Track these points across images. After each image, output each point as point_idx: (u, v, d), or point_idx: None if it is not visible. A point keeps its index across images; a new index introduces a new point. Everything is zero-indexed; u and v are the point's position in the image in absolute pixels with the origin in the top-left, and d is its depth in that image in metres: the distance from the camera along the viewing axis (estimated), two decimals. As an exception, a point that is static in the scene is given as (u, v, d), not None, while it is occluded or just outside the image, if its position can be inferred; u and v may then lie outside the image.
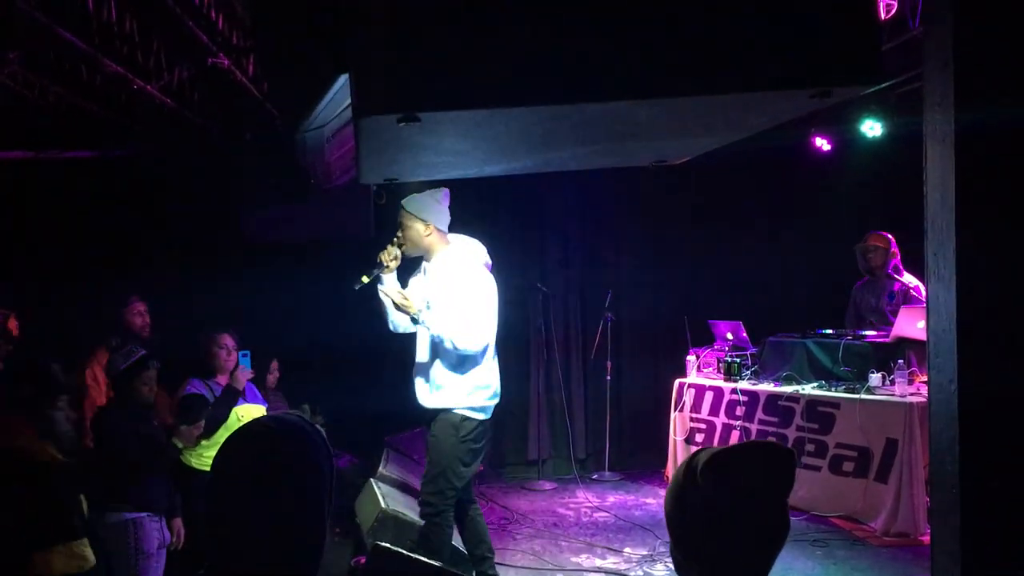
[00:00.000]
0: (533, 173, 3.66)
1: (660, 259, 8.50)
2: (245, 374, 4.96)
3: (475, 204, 7.57)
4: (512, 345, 8.38)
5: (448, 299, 4.53)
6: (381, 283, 4.68)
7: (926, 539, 5.70)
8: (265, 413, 5.03)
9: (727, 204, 8.39)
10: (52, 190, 6.72)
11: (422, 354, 4.72)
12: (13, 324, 4.73)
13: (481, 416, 4.66)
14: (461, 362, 4.58)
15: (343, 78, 4.12)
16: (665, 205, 8.39)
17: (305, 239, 6.97)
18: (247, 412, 4.96)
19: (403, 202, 4.67)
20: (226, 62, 5.17)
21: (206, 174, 6.69)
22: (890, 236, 7.04)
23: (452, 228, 4.77)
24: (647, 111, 2.20)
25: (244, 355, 4.97)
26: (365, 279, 4.63)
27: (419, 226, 4.62)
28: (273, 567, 1.54)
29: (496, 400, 4.77)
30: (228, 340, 4.98)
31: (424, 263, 4.80)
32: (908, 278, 6.97)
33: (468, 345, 4.49)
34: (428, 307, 4.64)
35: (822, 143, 8.00)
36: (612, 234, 8.66)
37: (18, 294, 5.68)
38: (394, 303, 4.55)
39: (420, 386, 4.71)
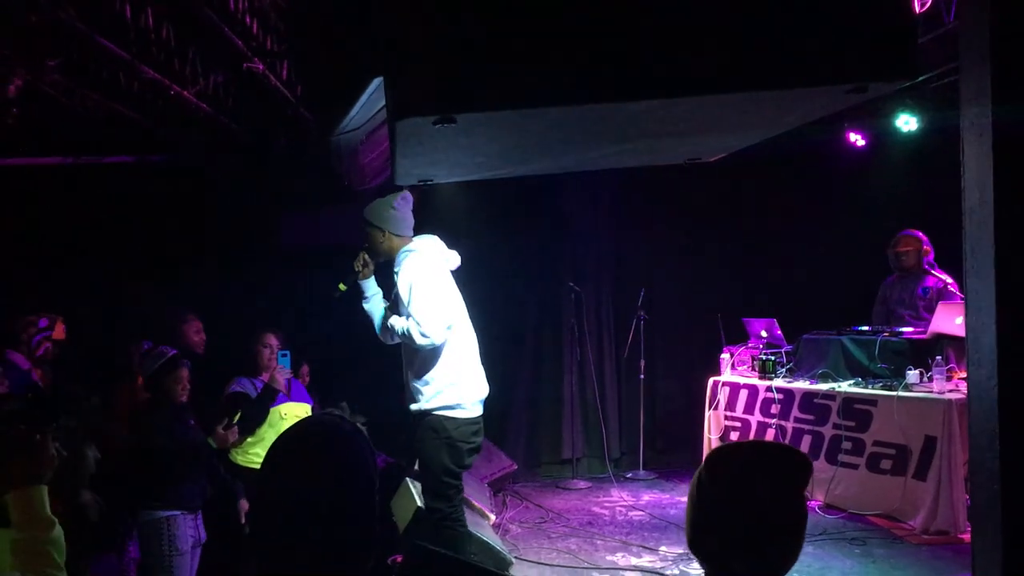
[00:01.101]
0: (565, 172, 3.68)
1: (693, 257, 8.48)
2: (283, 374, 5.02)
3: (506, 205, 7.62)
4: (545, 345, 8.43)
5: (404, 298, 4.50)
6: (363, 291, 4.75)
7: (966, 537, 5.65)
8: (310, 411, 5.11)
9: (760, 200, 8.35)
10: (91, 195, 6.82)
11: (404, 362, 4.70)
12: (60, 328, 4.82)
13: (460, 414, 4.56)
14: (424, 363, 4.52)
15: (377, 81, 4.18)
16: (698, 202, 8.35)
17: (339, 242, 7.02)
18: (290, 410, 5.02)
19: (363, 211, 4.69)
20: (260, 67, 5.23)
21: (241, 178, 6.76)
22: (920, 235, 6.96)
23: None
24: (683, 109, 2.21)
25: (283, 355, 5.05)
26: (342, 287, 4.72)
27: (376, 233, 4.64)
28: (324, 568, 1.55)
29: (478, 395, 4.65)
30: (273, 339, 5.08)
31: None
32: (942, 274, 6.89)
33: (424, 339, 4.41)
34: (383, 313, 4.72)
35: (856, 138, 7.94)
36: (645, 232, 8.64)
37: (59, 298, 5.77)
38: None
39: (406, 394, 4.70)
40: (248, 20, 4.95)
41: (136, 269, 6.77)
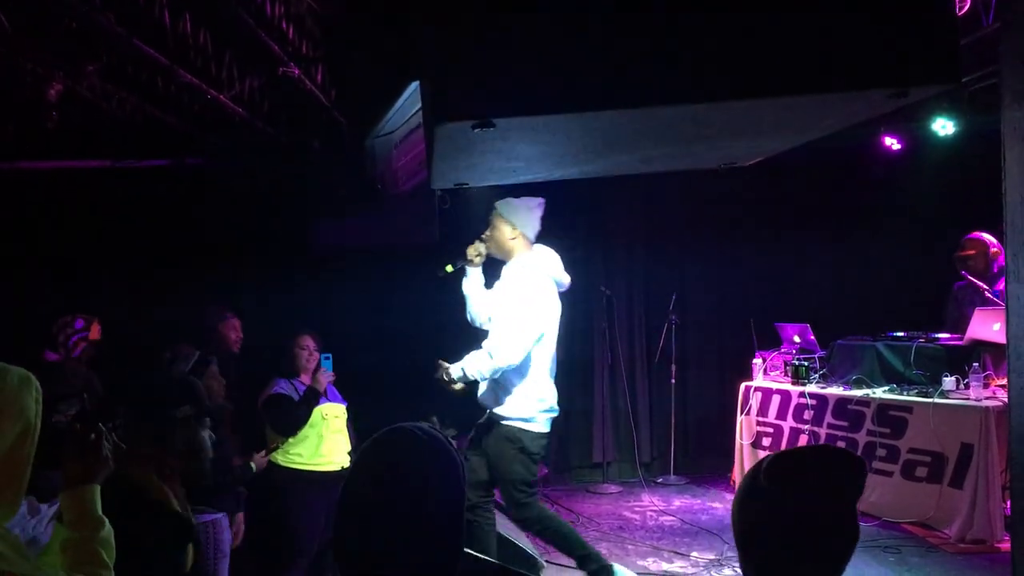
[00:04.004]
0: (599, 177, 3.67)
1: (725, 261, 8.43)
2: (327, 376, 5.07)
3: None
4: (576, 348, 8.40)
5: (506, 306, 4.59)
6: (466, 275, 4.85)
7: (1003, 546, 5.58)
8: (342, 411, 5.14)
9: (794, 205, 8.28)
10: (128, 198, 6.89)
11: None
12: (96, 329, 4.87)
13: (535, 428, 4.68)
14: (516, 373, 4.62)
15: (413, 85, 4.20)
16: (730, 206, 8.30)
17: (372, 246, 7.06)
18: (330, 411, 5.06)
19: (497, 203, 4.75)
20: (296, 71, 5.27)
21: (276, 181, 6.82)
22: (985, 237, 6.68)
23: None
24: (720, 113, 2.20)
25: (327, 358, 5.10)
26: (449, 268, 4.79)
27: (507, 229, 4.71)
28: None
29: (553, 414, 4.79)
30: (309, 341, 5.11)
31: (504, 266, 4.87)
32: None
33: (503, 360, 4.52)
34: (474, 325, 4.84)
35: (892, 142, 7.86)
36: (676, 236, 8.60)
37: (97, 300, 5.84)
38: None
39: (482, 392, 4.79)
40: (284, 25, 5.00)
41: (171, 271, 6.84)
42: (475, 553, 4.03)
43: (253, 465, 4.68)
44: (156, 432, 2.73)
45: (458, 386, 4.69)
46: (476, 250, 4.81)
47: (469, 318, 4.97)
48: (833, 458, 1.74)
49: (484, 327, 4.89)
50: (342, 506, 1.57)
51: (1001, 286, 6.67)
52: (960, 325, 6.88)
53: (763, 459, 1.74)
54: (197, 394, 3.00)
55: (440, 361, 4.71)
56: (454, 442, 1.66)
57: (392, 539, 1.52)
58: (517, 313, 4.54)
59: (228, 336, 5.53)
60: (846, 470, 1.70)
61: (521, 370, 4.63)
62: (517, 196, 4.78)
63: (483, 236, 4.80)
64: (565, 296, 4.86)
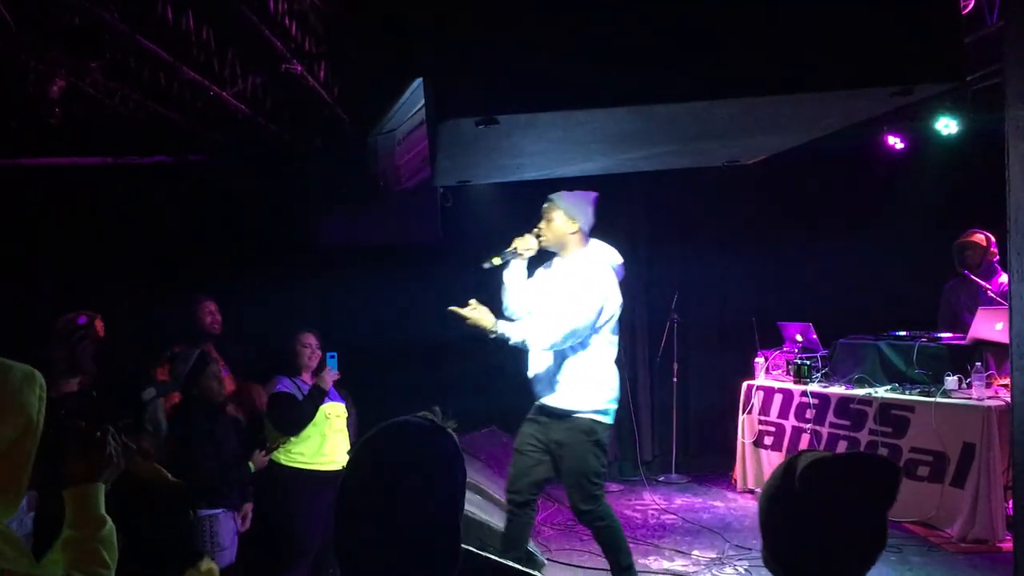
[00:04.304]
0: (601, 174, 3.68)
1: (727, 260, 8.41)
2: (332, 375, 5.03)
3: (541, 201, 7.61)
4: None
5: (566, 294, 4.58)
6: (507, 267, 4.82)
7: (1005, 546, 5.57)
8: (343, 410, 5.13)
9: (797, 204, 8.28)
10: (131, 195, 6.90)
11: (541, 353, 4.76)
12: (99, 326, 4.87)
13: (606, 420, 4.71)
14: (584, 363, 4.62)
15: (416, 81, 4.20)
16: (732, 204, 8.30)
17: (374, 243, 7.06)
18: (333, 409, 5.05)
19: (554, 196, 4.74)
20: (299, 68, 5.26)
21: (279, 179, 6.82)
22: (989, 235, 6.77)
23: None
24: (724, 111, 2.20)
25: (332, 356, 5.07)
26: (496, 260, 4.75)
27: (564, 221, 4.70)
28: (410, 573, 1.53)
29: (616, 404, 4.80)
30: (311, 339, 5.08)
31: (556, 258, 4.86)
32: (1003, 278, 6.77)
33: (543, 341, 4.51)
34: (509, 317, 4.74)
35: (895, 141, 7.85)
36: (679, 234, 8.59)
37: (99, 297, 5.84)
38: (465, 316, 4.54)
39: (540, 380, 4.76)
40: (287, 22, 4.99)
41: (172, 268, 6.84)
42: (474, 549, 4.04)
43: (252, 465, 4.66)
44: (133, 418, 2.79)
45: (474, 319, 4.53)
46: (526, 243, 4.78)
47: (504, 307, 4.93)
48: (870, 466, 1.74)
49: (520, 319, 4.85)
50: (340, 503, 1.56)
51: (995, 285, 6.72)
52: (954, 325, 6.91)
53: (796, 459, 1.72)
54: (154, 378, 3.14)
55: (475, 302, 4.60)
56: (455, 434, 1.65)
57: (391, 535, 1.51)
58: (582, 301, 4.53)
59: (204, 320, 5.55)
60: (882, 478, 1.71)
61: (590, 362, 4.64)
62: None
63: (536, 229, 4.78)
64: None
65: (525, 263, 4.87)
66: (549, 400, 4.71)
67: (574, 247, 4.73)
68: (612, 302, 4.67)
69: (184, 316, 5.66)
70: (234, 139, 6.48)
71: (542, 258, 4.95)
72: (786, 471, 1.71)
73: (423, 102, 3.78)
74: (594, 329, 4.60)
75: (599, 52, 1.98)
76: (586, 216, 4.71)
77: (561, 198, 4.71)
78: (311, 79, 5.53)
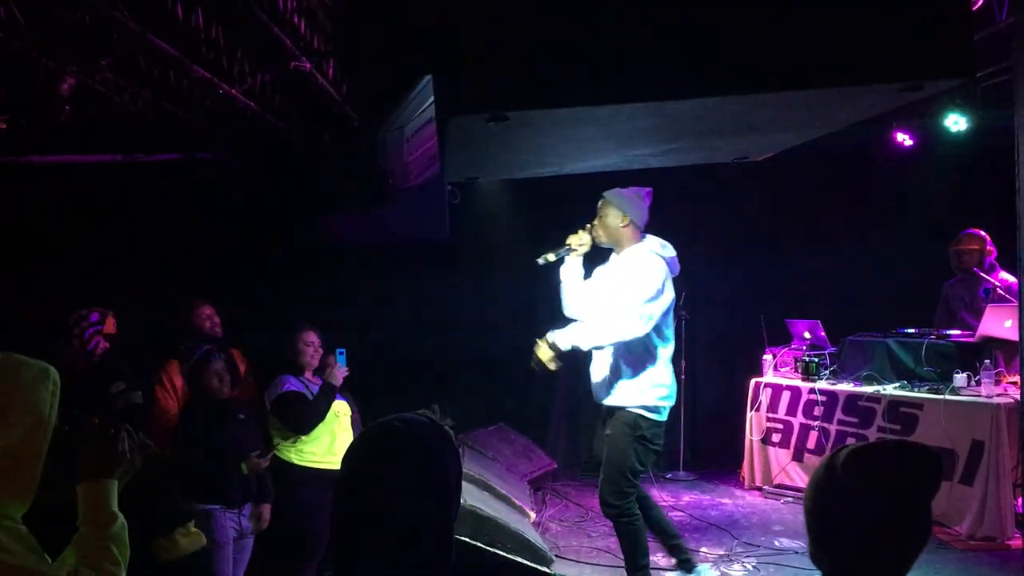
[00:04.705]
0: (609, 171, 3.67)
1: (735, 257, 8.40)
2: (341, 372, 5.00)
3: (545, 203, 7.61)
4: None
5: (625, 287, 4.60)
6: (563, 264, 4.87)
7: (1014, 543, 5.57)
8: (348, 408, 5.13)
9: (805, 200, 8.26)
10: (140, 193, 6.92)
11: (599, 351, 4.79)
12: (111, 323, 4.89)
13: (655, 416, 4.70)
14: (638, 361, 4.64)
15: (425, 78, 4.20)
16: (741, 201, 8.28)
17: (384, 241, 7.07)
18: (341, 407, 5.05)
19: (606, 193, 4.79)
20: (307, 66, 5.28)
21: (287, 177, 6.83)
22: (984, 235, 6.81)
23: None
24: (733, 107, 2.20)
25: (341, 353, 5.04)
26: (551, 257, 4.82)
27: (618, 217, 4.75)
28: (402, 569, 1.54)
29: (671, 402, 4.80)
30: (313, 337, 5.04)
31: (613, 255, 4.89)
32: (1003, 275, 6.77)
33: (624, 331, 4.51)
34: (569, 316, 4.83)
35: (904, 138, 7.84)
36: (686, 231, 8.54)
37: (108, 294, 5.86)
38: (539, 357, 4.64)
39: (596, 382, 4.80)
40: (296, 19, 5.00)
41: (181, 266, 6.86)
42: (480, 544, 4.06)
43: (244, 467, 4.47)
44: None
45: (553, 364, 4.63)
46: (580, 239, 4.83)
47: (564, 307, 4.96)
48: (911, 455, 1.74)
49: (579, 318, 4.87)
50: (336, 497, 1.59)
51: (992, 284, 6.74)
52: (951, 325, 6.94)
53: (838, 452, 1.73)
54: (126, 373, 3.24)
55: (539, 339, 4.67)
56: (452, 432, 1.67)
57: (385, 528, 1.54)
58: (642, 288, 4.54)
59: (204, 325, 5.50)
60: (924, 468, 1.71)
61: (641, 358, 4.66)
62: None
63: (589, 225, 4.81)
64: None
65: (580, 259, 4.90)
66: (604, 400, 4.77)
67: (628, 242, 4.76)
68: (665, 295, 4.67)
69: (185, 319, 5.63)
70: (243, 137, 6.50)
71: (603, 257, 4.98)
72: (830, 463, 1.71)
73: (432, 99, 3.79)
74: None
75: (608, 49, 1.98)
76: (639, 211, 4.75)
77: (613, 194, 4.76)
78: (320, 77, 5.54)
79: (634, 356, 4.64)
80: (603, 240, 4.83)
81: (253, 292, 6.42)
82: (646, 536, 4.84)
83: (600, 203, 4.81)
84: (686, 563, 4.95)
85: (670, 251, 4.83)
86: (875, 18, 2.00)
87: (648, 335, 4.61)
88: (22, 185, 6.47)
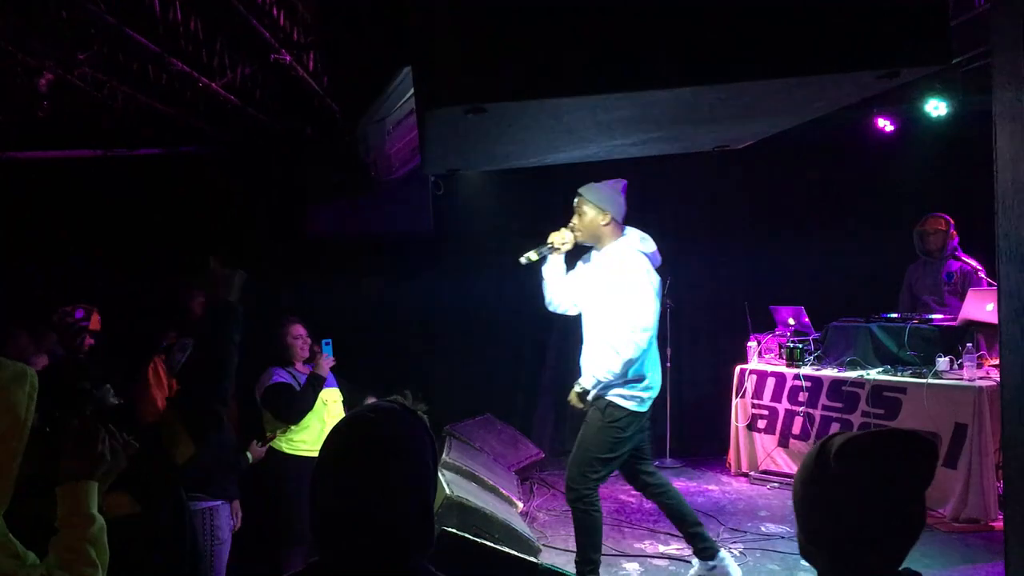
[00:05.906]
0: (591, 161, 3.67)
1: (719, 244, 8.43)
2: (328, 361, 5.04)
3: (527, 193, 7.62)
4: (571, 332, 8.41)
5: (614, 293, 4.58)
6: (546, 262, 4.84)
7: (997, 525, 5.61)
8: (339, 395, 5.14)
9: (788, 187, 8.29)
10: (121, 187, 6.88)
11: (587, 341, 4.80)
12: (96, 319, 4.88)
13: (631, 405, 4.67)
14: (612, 351, 4.62)
15: (405, 70, 4.19)
16: (724, 189, 8.30)
17: (366, 234, 7.06)
18: (330, 396, 5.08)
19: (582, 190, 4.74)
20: (287, 58, 5.26)
21: (269, 169, 6.81)
22: (949, 219, 6.93)
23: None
24: (712, 96, 2.20)
25: (327, 343, 5.07)
26: (533, 256, 4.78)
27: (598, 216, 4.69)
28: (381, 555, 1.55)
29: (652, 392, 4.77)
30: (300, 329, 5.08)
31: (593, 251, 4.86)
32: (967, 259, 6.85)
33: (630, 352, 4.53)
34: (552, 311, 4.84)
35: (885, 124, 7.87)
36: (671, 219, 8.58)
37: (91, 289, 5.84)
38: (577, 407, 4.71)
39: (583, 372, 4.78)
40: (275, 12, 4.98)
41: (163, 259, 6.83)
42: (468, 535, 4.06)
43: (250, 456, 4.66)
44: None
45: (574, 402, 4.75)
46: (562, 238, 4.77)
47: (548, 305, 4.95)
48: (904, 442, 1.72)
49: (566, 312, 4.91)
50: (313, 484, 1.61)
51: (954, 267, 6.87)
52: (913, 308, 7.07)
53: (831, 439, 1.71)
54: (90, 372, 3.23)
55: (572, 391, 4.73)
56: (425, 417, 1.69)
57: (360, 514, 1.56)
58: (634, 303, 4.53)
59: (199, 313, 5.52)
60: (917, 454, 1.69)
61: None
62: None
63: (570, 224, 4.76)
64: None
65: (563, 257, 4.86)
66: (586, 386, 4.73)
67: (609, 238, 4.72)
68: (653, 303, 4.68)
69: (173, 308, 5.63)
70: (223, 129, 6.47)
71: (581, 251, 4.97)
72: (819, 453, 1.69)
73: (413, 90, 3.78)
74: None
75: (587, 39, 1.98)
76: (617, 205, 4.70)
77: (589, 190, 4.70)
78: (300, 69, 5.52)
79: (616, 352, 4.63)
80: (584, 239, 4.78)
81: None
82: (601, 532, 4.82)
83: (576, 200, 4.75)
84: (704, 551, 4.89)
85: (651, 245, 4.81)
86: (851, 5, 2.00)
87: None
88: (1, 181, 6.43)
